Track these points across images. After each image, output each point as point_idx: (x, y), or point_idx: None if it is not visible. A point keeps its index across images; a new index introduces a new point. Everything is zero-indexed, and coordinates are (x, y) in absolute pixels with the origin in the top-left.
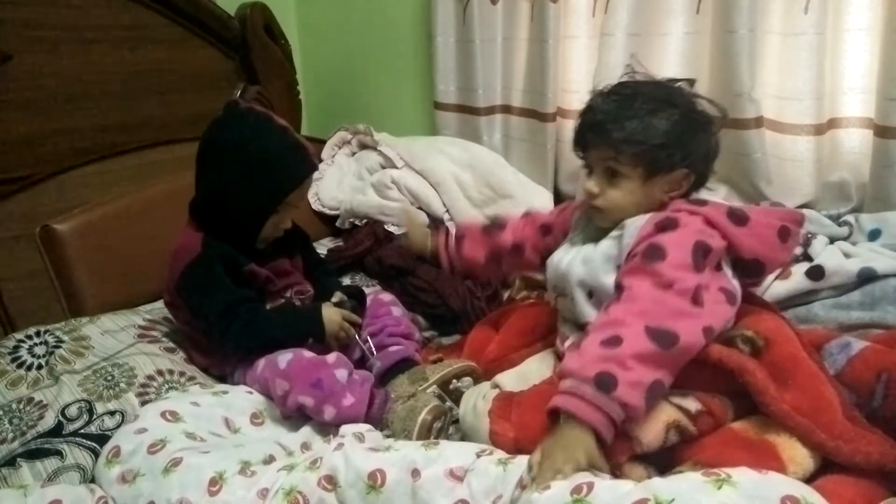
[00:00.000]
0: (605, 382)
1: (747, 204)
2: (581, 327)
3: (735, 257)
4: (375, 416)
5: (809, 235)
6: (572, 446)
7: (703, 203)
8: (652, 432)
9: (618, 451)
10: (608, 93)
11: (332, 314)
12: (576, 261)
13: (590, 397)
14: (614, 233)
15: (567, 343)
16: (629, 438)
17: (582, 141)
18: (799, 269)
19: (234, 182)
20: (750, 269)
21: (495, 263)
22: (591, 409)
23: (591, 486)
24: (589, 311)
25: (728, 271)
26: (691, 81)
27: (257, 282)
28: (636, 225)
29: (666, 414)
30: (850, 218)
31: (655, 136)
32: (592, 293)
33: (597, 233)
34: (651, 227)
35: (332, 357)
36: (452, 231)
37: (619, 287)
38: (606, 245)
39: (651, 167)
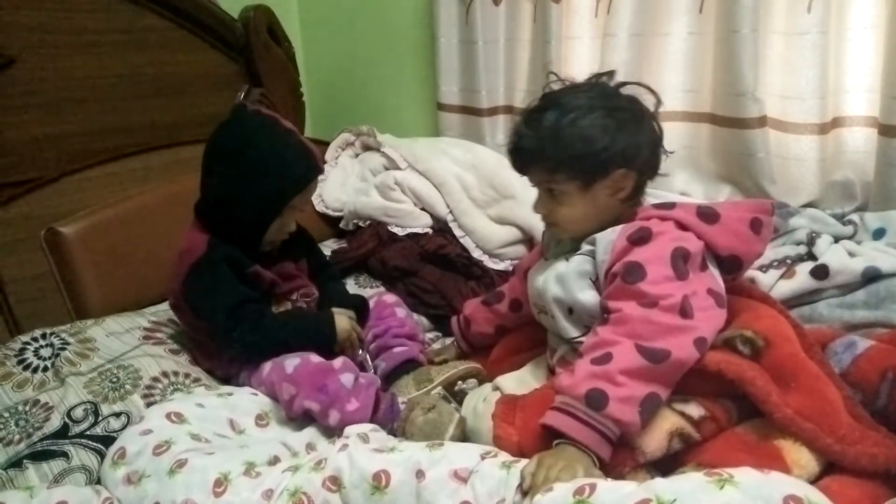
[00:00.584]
0: (595, 399)
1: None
2: (567, 341)
3: (713, 255)
4: (381, 420)
5: (814, 234)
6: (569, 459)
7: (672, 206)
8: (655, 441)
9: (620, 461)
10: (528, 113)
11: (343, 322)
12: (550, 278)
13: (582, 415)
14: (585, 247)
15: (556, 357)
16: (632, 448)
17: (516, 168)
18: (803, 269)
19: (238, 184)
20: (728, 266)
21: (504, 330)
22: (583, 428)
23: (593, 487)
24: (570, 328)
25: (714, 271)
26: (610, 73)
27: (262, 284)
28: (608, 239)
29: (668, 422)
30: (855, 217)
31: (577, 147)
32: (572, 310)
33: (568, 246)
34: (624, 241)
35: (338, 362)
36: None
37: (605, 310)
38: (578, 261)
39: (584, 178)
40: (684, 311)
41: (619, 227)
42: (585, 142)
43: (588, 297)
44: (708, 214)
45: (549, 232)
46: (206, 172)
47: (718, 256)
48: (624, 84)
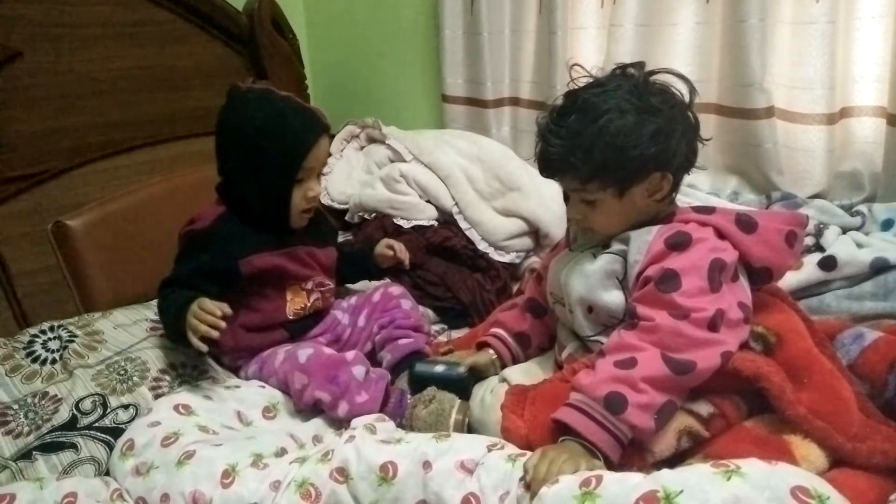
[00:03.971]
0: (614, 403)
1: (751, 208)
2: (578, 337)
3: (745, 265)
4: (389, 415)
5: (822, 225)
6: (573, 454)
7: (711, 211)
8: (664, 441)
9: (629, 462)
10: (554, 117)
11: (194, 307)
12: (574, 273)
13: (598, 416)
14: (616, 246)
15: (564, 353)
16: (641, 450)
17: (544, 174)
18: (811, 260)
19: (247, 162)
20: (758, 276)
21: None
22: (598, 429)
23: (599, 479)
24: (586, 325)
25: (744, 281)
26: (639, 65)
27: (261, 274)
28: (644, 239)
29: (677, 421)
30: (863, 208)
31: (609, 157)
32: (591, 308)
33: (596, 240)
34: (661, 244)
35: (350, 354)
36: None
37: (634, 315)
38: (607, 260)
39: (619, 185)
40: (713, 324)
41: (654, 228)
42: (617, 151)
43: (613, 298)
44: (746, 223)
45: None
46: (219, 158)
47: (751, 267)
48: (653, 73)
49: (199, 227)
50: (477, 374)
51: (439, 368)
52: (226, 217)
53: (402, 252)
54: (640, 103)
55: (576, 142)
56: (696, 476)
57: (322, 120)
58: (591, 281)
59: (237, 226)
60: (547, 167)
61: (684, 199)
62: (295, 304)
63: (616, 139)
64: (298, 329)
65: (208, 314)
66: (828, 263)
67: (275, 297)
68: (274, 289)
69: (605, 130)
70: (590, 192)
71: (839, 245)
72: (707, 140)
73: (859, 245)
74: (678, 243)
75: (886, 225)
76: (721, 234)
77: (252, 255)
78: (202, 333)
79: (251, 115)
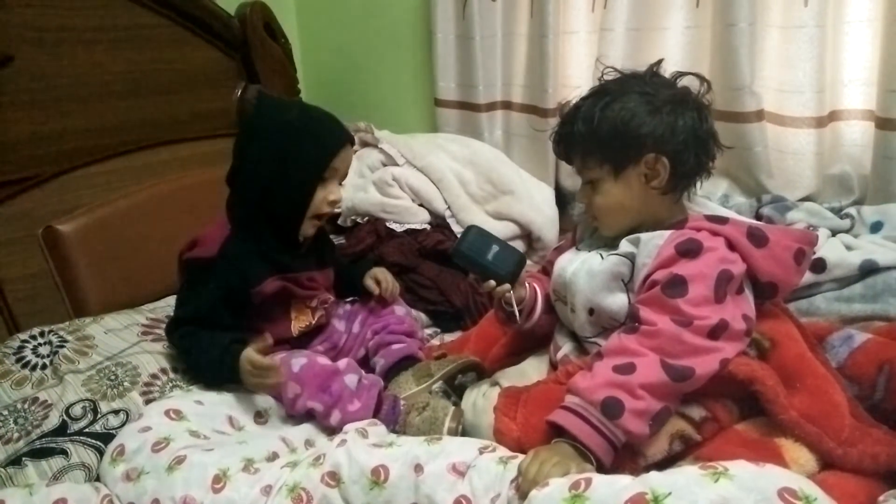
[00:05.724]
0: (611, 408)
1: (762, 222)
2: (576, 337)
3: (751, 279)
4: (382, 421)
5: (811, 228)
6: (564, 456)
7: (724, 221)
8: (656, 445)
9: (621, 466)
10: (576, 102)
11: (246, 366)
12: (581, 273)
13: (594, 421)
14: (625, 248)
15: (559, 353)
16: (633, 453)
17: (557, 156)
18: None
19: (280, 150)
20: (762, 290)
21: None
22: (593, 433)
23: (588, 481)
24: (586, 327)
25: (749, 294)
26: (658, 63)
27: (271, 300)
28: (654, 243)
29: (670, 425)
30: (852, 210)
31: (605, 130)
32: (593, 311)
33: (604, 240)
34: (671, 249)
35: (343, 363)
36: None
37: (636, 317)
38: (614, 262)
39: (615, 161)
40: (714, 333)
41: (665, 233)
42: (614, 124)
43: (616, 300)
44: (758, 237)
45: (585, 222)
46: (239, 160)
47: (757, 281)
48: (682, 75)
49: (205, 255)
50: (477, 370)
51: (492, 251)
52: (231, 241)
53: (387, 291)
54: (645, 88)
55: (580, 118)
56: (684, 478)
57: (349, 131)
58: (597, 282)
59: (243, 251)
60: (556, 144)
61: (694, 207)
62: (300, 321)
63: (616, 113)
64: (301, 344)
65: (265, 370)
66: (817, 266)
67: (280, 317)
68: (279, 310)
69: (606, 108)
70: (590, 170)
71: (829, 247)
72: (729, 147)
73: (848, 247)
74: (689, 250)
75: (875, 227)
76: (731, 246)
77: (260, 285)
78: (271, 389)
79: (285, 111)
